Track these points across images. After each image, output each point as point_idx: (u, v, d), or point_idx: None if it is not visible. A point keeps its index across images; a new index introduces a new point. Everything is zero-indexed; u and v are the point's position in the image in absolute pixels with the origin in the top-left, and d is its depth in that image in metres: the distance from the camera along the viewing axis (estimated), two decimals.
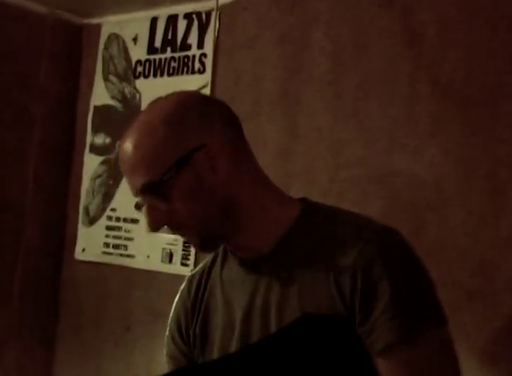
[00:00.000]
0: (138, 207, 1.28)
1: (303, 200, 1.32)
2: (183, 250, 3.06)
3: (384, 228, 1.22)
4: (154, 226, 1.25)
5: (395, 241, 1.20)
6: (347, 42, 2.68)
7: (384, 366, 1.11)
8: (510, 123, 2.29)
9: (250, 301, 1.27)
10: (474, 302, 2.26)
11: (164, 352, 1.46)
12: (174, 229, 1.26)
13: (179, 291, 1.46)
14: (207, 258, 1.43)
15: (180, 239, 3.04)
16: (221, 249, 1.38)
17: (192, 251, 3.04)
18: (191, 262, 2.99)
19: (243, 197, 1.26)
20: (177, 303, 1.43)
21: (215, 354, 1.30)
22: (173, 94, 1.31)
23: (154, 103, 1.29)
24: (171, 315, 1.45)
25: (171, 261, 3.10)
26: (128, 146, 1.24)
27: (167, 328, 1.45)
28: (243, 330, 1.26)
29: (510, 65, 2.31)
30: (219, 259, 1.38)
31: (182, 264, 3.05)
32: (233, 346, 1.27)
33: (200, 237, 1.26)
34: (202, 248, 1.30)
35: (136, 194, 1.25)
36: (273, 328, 1.19)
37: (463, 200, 2.36)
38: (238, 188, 1.25)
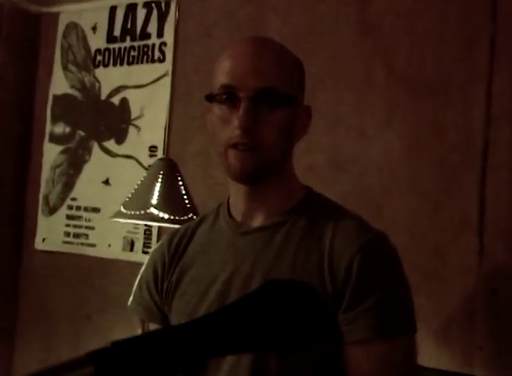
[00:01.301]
0: (213, 99, 1.30)
1: (307, 187, 1.40)
2: (144, 238, 3.08)
3: (382, 232, 1.31)
4: (247, 124, 1.25)
5: (393, 247, 1.30)
6: (306, 31, 2.71)
7: (358, 355, 1.23)
8: (463, 110, 2.35)
9: (236, 264, 1.31)
10: (430, 285, 2.33)
11: (131, 299, 1.47)
12: (251, 140, 1.27)
13: (158, 245, 1.48)
14: (191, 221, 1.49)
15: (141, 227, 3.05)
16: (213, 211, 1.42)
17: (154, 238, 3.06)
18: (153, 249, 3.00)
19: (289, 163, 1.37)
20: (155, 254, 1.45)
21: (182, 307, 1.34)
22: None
23: (270, 40, 1.37)
24: (145, 264, 1.47)
25: (132, 249, 3.12)
26: (266, 49, 1.32)
27: (139, 277, 1.47)
28: (222, 290, 1.30)
29: (462, 53, 2.37)
30: (209, 220, 1.42)
31: (144, 252, 3.06)
32: (206, 302, 1.31)
33: (260, 162, 1.28)
34: (249, 173, 1.28)
35: (247, 93, 1.26)
36: None
37: (418, 185, 2.42)
38: (291, 155, 1.37)
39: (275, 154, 1.29)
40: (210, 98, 1.32)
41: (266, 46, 1.33)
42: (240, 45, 1.33)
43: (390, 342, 1.23)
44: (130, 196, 2.27)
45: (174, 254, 1.40)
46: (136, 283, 1.47)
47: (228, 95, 1.27)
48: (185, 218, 2.19)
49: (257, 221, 1.34)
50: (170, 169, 2.30)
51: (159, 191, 2.22)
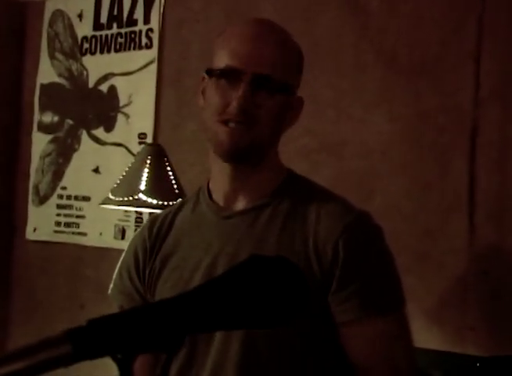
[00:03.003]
0: (226, 74, 1.29)
1: (289, 169, 1.40)
2: (136, 225, 3.07)
3: (365, 211, 1.32)
4: (245, 105, 1.27)
5: (376, 225, 1.31)
6: (294, 14, 2.70)
7: (357, 334, 1.26)
8: (453, 92, 2.35)
9: (221, 247, 1.31)
10: (421, 266, 2.33)
11: (112, 287, 1.45)
12: (245, 117, 1.28)
13: (138, 231, 1.47)
14: (170, 207, 1.49)
15: (132, 214, 3.04)
16: (192, 196, 1.42)
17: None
18: None
19: (275, 149, 1.38)
20: (135, 240, 1.44)
21: (166, 293, 1.32)
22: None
23: (277, 24, 1.36)
24: (126, 251, 1.45)
25: (123, 237, 3.11)
26: (269, 35, 1.32)
27: (120, 264, 1.45)
28: (207, 273, 1.29)
29: (452, 35, 2.36)
30: (189, 205, 1.41)
31: None
32: (191, 287, 1.28)
33: (250, 141, 1.30)
34: (238, 149, 1.29)
35: (249, 76, 1.28)
36: None
37: (408, 168, 2.42)
38: (278, 142, 1.38)
39: (265, 135, 1.30)
40: (210, 72, 1.33)
41: (272, 32, 1.35)
42: (247, 26, 1.36)
43: (385, 317, 1.26)
44: (118, 182, 2.26)
45: (155, 240, 1.39)
46: (116, 270, 1.45)
47: (230, 74, 1.29)
48: (174, 203, 2.18)
49: (241, 204, 1.34)
50: (158, 155, 2.29)
51: (147, 177, 2.21)
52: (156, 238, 1.39)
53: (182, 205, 1.43)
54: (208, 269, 1.30)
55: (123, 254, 1.46)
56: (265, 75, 1.29)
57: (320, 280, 1.24)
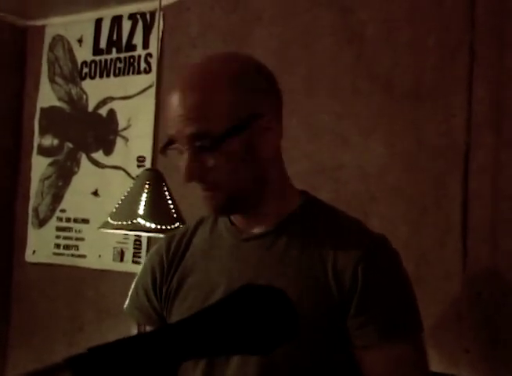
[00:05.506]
0: (164, 151, 1.24)
1: (303, 192, 1.38)
2: (134, 248, 3.09)
3: (382, 235, 1.31)
4: (190, 177, 1.22)
5: (393, 249, 1.30)
6: (290, 40, 2.74)
7: (375, 359, 1.25)
8: (447, 117, 2.38)
9: (240, 270, 1.29)
10: (417, 289, 2.33)
11: (128, 302, 1.44)
12: (206, 185, 1.24)
13: (155, 249, 1.44)
14: (186, 225, 1.46)
15: (131, 237, 3.06)
16: (210, 217, 1.40)
17: (143, 248, 3.07)
18: (142, 259, 3.01)
19: (274, 174, 1.30)
20: (152, 258, 1.42)
21: (185, 313, 1.27)
22: (232, 54, 1.31)
23: (214, 59, 1.26)
24: (142, 269, 1.44)
25: (122, 259, 3.13)
26: (190, 91, 1.22)
27: (136, 280, 1.44)
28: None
29: (447, 61, 2.40)
30: (207, 224, 1.40)
31: (134, 262, 3.07)
32: None
33: (227, 199, 1.26)
34: (221, 211, 1.28)
35: (184, 141, 1.21)
36: None
37: (404, 192, 2.44)
38: (275, 165, 1.30)
39: (237, 188, 1.25)
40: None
41: (194, 81, 1.23)
42: (174, 86, 1.26)
43: (402, 341, 1.25)
44: (117, 206, 2.29)
45: (172, 259, 1.39)
46: (133, 287, 1.45)
47: (174, 146, 1.24)
48: (172, 227, 2.21)
49: (259, 228, 1.32)
50: (156, 179, 2.32)
51: (145, 201, 2.24)
52: (173, 257, 1.38)
53: (199, 224, 1.42)
54: (227, 292, 1.23)
55: (139, 272, 1.46)
56: (195, 134, 1.19)
57: (339, 304, 1.24)
